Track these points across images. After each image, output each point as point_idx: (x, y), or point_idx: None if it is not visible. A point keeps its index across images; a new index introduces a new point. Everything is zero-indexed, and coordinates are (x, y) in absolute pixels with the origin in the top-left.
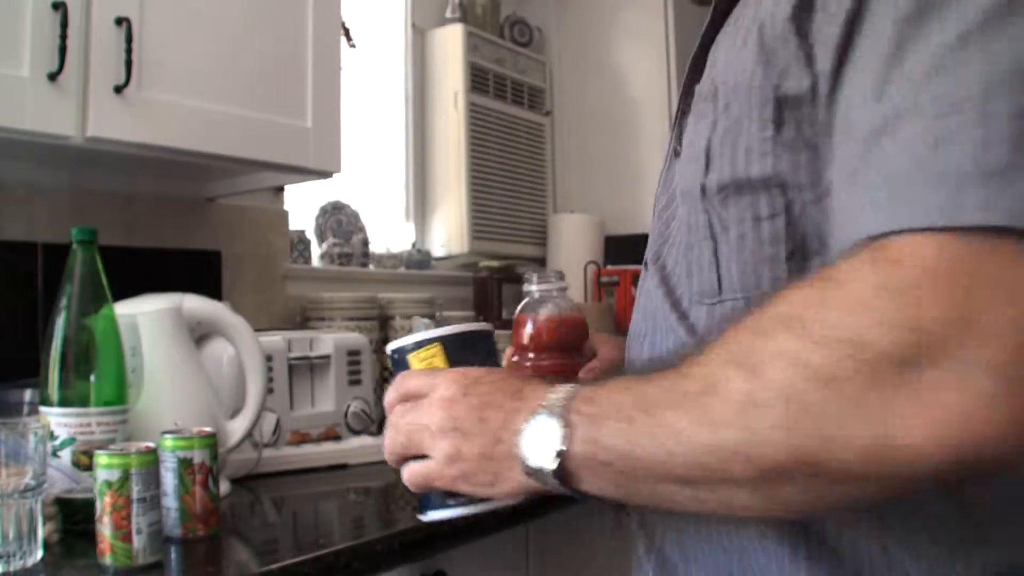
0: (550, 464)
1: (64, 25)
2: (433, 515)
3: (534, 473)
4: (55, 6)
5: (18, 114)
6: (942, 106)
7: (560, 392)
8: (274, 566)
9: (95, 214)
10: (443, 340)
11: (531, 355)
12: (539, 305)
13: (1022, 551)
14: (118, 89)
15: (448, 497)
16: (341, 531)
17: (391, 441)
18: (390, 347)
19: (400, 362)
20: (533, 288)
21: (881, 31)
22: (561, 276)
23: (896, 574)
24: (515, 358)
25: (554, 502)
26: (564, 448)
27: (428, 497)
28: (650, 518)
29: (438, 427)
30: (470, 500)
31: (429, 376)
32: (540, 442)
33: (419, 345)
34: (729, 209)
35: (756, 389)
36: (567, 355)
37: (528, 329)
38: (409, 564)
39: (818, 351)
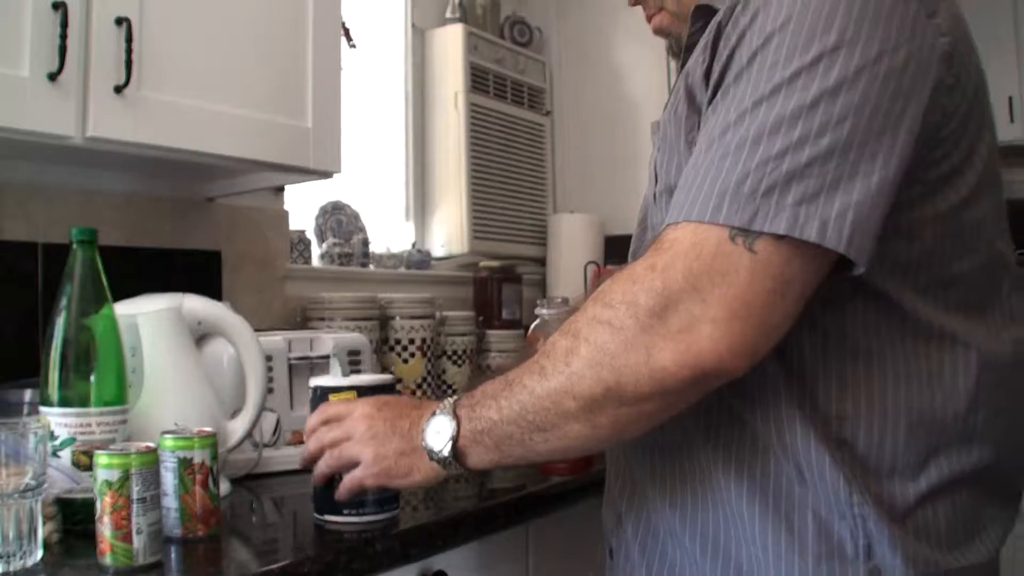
0: (447, 450)
1: (64, 25)
2: (331, 518)
3: (437, 458)
4: (55, 6)
5: (18, 114)
6: (726, 150)
7: (450, 399)
8: (274, 566)
9: (95, 214)
10: (359, 389)
11: None
12: (549, 325)
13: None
14: (118, 89)
15: (345, 507)
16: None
17: (312, 452)
18: (314, 382)
19: (321, 397)
20: (544, 312)
21: (722, 101)
22: (566, 301)
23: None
24: None
25: (554, 502)
26: (454, 434)
27: (325, 501)
28: (628, 503)
29: (359, 437)
30: (361, 513)
31: (347, 403)
32: (438, 434)
33: (338, 389)
34: (666, 210)
35: (572, 344)
36: None
37: (540, 345)
38: (409, 564)
39: (608, 311)
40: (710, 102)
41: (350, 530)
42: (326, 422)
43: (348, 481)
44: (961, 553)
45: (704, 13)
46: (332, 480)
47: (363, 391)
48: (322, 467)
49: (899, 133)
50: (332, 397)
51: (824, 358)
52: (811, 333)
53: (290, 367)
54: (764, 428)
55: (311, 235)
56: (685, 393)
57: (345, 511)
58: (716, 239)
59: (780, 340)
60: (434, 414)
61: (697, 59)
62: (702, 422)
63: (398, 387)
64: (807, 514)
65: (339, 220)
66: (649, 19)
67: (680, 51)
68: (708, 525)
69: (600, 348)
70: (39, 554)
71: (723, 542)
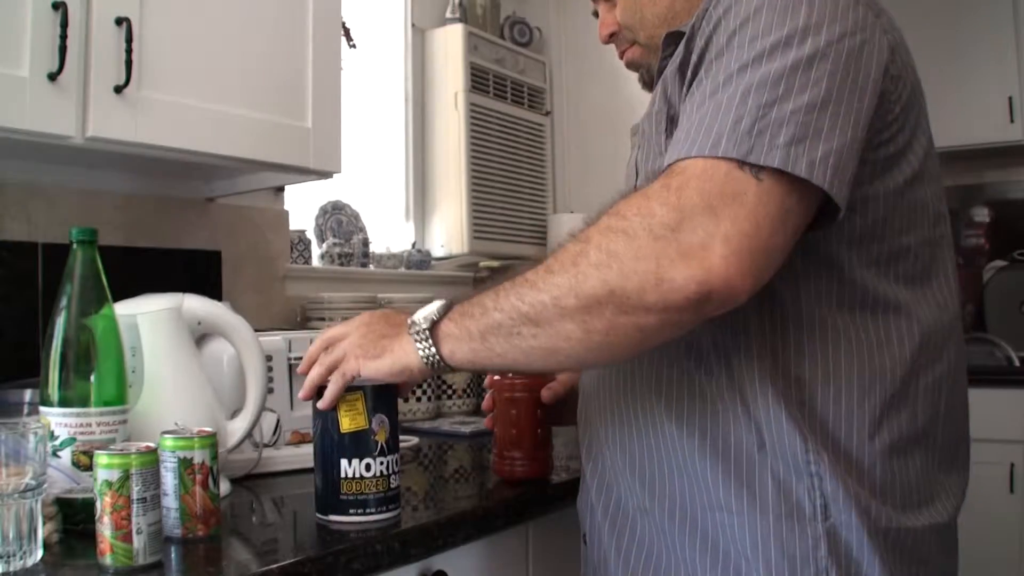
0: (426, 323)
1: (64, 25)
2: (334, 518)
3: (416, 331)
4: (55, 6)
5: (18, 114)
6: (717, 104)
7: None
8: (274, 566)
9: (95, 214)
10: (364, 389)
11: (509, 373)
12: None
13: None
14: (118, 89)
15: (349, 507)
16: (341, 531)
17: (314, 380)
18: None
19: (319, 396)
20: None
21: (705, 75)
22: None
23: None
24: (497, 376)
25: (554, 502)
26: (440, 309)
27: (328, 501)
28: (590, 445)
29: (353, 338)
30: (365, 512)
31: (346, 322)
32: (424, 312)
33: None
34: None
35: (582, 248)
36: (535, 374)
37: None
38: (409, 564)
39: (622, 222)
40: (689, 85)
41: (353, 530)
42: (327, 346)
43: (334, 377)
44: (916, 515)
45: (674, 38)
46: (335, 481)
47: (367, 391)
48: (313, 377)
49: (864, 100)
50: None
51: (781, 326)
52: (769, 302)
53: (290, 367)
54: (726, 395)
55: (311, 235)
56: (683, 312)
57: (350, 511)
58: (725, 167)
59: (775, 272)
60: (429, 306)
61: (673, 60)
62: (663, 393)
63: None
64: (767, 476)
65: (339, 220)
66: (621, 55)
67: (651, 80)
68: (675, 495)
69: (611, 253)
70: (39, 554)
71: (689, 510)
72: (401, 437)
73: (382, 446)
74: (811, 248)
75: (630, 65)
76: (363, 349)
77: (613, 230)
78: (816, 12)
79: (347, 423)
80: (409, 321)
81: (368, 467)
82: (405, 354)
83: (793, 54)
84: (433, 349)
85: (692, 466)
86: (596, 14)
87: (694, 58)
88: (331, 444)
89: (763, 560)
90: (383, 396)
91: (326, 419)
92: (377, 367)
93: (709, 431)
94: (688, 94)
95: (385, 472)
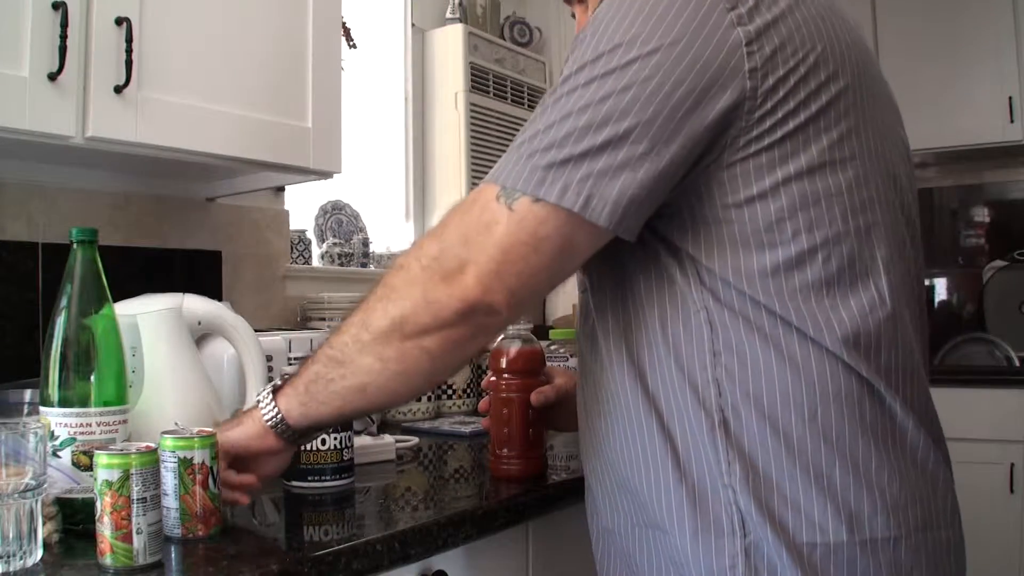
0: (264, 393)
1: (64, 25)
2: (296, 483)
3: (260, 397)
4: (55, 6)
5: (18, 114)
6: (522, 138)
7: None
8: (274, 566)
9: (95, 214)
10: None
11: (504, 375)
12: (509, 341)
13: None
14: (118, 89)
15: (308, 474)
16: (341, 531)
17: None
18: (286, 371)
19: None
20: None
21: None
22: (526, 319)
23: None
24: (492, 377)
25: (554, 502)
26: (275, 384)
27: (292, 470)
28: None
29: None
30: (321, 479)
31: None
32: (275, 382)
33: None
34: None
35: (373, 287)
36: (527, 376)
37: (502, 357)
38: (409, 564)
39: (403, 259)
40: None
41: (311, 493)
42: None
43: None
44: (848, 529)
45: None
46: (296, 453)
47: None
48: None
49: (670, 115)
50: None
51: (698, 345)
52: (689, 322)
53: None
54: (642, 408)
55: (311, 235)
56: (456, 326)
57: (308, 478)
58: (486, 197)
59: (546, 289)
60: (261, 398)
61: None
62: (601, 410)
63: None
64: (681, 491)
65: (339, 220)
66: None
67: None
68: (627, 511)
69: (391, 287)
70: (39, 554)
71: (637, 527)
72: (401, 437)
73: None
74: (706, 266)
75: None
76: (223, 427)
77: (395, 267)
78: (638, 25)
79: None
80: (254, 402)
81: (323, 442)
82: (254, 422)
83: (586, 76)
84: (275, 411)
85: (628, 481)
86: (574, 15)
87: None
88: None
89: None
90: None
91: None
92: (231, 436)
93: (637, 444)
94: None
95: (339, 446)
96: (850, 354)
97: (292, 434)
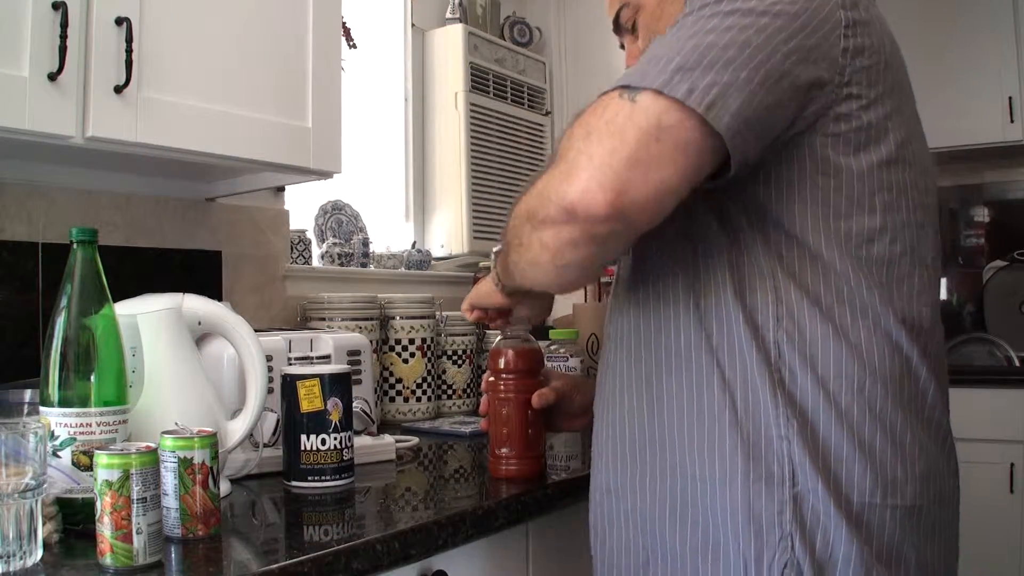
0: (495, 252)
1: (64, 25)
2: (296, 484)
3: (492, 260)
4: (55, 6)
5: (18, 114)
6: (644, 58)
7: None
8: (274, 566)
9: (95, 214)
10: (321, 377)
11: (503, 376)
12: (508, 342)
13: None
14: (118, 89)
15: (309, 475)
16: (341, 531)
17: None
18: (284, 371)
19: (290, 385)
20: (506, 330)
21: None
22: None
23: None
24: (491, 378)
25: (554, 502)
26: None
27: (292, 470)
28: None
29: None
30: (321, 480)
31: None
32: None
33: (303, 377)
34: None
35: (538, 177)
36: (526, 376)
37: (500, 358)
38: (409, 564)
39: (560, 151)
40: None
41: (311, 493)
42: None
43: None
44: (887, 493)
45: None
46: (296, 453)
47: (324, 378)
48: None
49: (787, 64)
50: (300, 387)
51: (775, 295)
52: (744, 273)
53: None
54: (704, 361)
55: (311, 235)
56: (567, 225)
57: (309, 478)
58: (609, 96)
59: (653, 197)
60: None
61: None
62: (643, 367)
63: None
64: (737, 440)
65: (339, 220)
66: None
67: None
68: (654, 470)
69: (542, 183)
70: (39, 554)
71: (662, 484)
72: (401, 437)
73: (336, 424)
74: (785, 227)
75: None
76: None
77: (545, 164)
78: None
79: (306, 404)
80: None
81: (324, 442)
82: (486, 282)
83: (710, 11)
84: (496, 270)
85: (668, 438)
86: (622, 46)
87: None
88: (293, 422)
89: (731, 524)
90: (337, 382)
91: (290, 401)
92: (475, 291)
93: (694, 393)
94: None
95: (339, 446)
96: (903, 333)
97: (508, 290)
